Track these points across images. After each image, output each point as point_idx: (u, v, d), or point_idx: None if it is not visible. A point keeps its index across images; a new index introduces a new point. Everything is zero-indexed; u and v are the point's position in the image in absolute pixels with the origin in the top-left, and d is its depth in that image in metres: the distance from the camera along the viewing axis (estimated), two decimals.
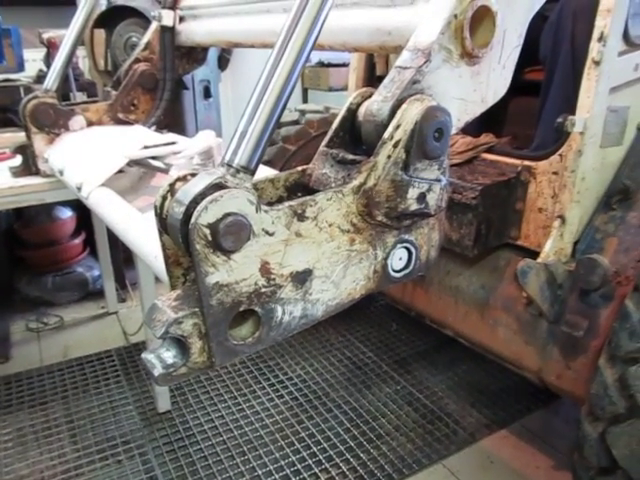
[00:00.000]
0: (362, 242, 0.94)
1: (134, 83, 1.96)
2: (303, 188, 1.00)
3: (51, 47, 2.87)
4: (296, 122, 2.82)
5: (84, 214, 3.22)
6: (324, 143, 1.00)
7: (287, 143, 2.77)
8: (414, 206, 0.93)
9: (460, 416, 2.37)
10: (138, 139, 1.63)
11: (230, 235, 0.75)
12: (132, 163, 1.53)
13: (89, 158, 1.58)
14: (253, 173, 0.81)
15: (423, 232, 1.03)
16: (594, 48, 1.61)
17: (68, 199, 1.92)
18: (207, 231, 0.74)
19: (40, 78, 2.98)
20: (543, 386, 1.94)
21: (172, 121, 2.41)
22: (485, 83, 1.05)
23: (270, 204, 0.90)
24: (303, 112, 2.88)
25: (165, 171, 1.57)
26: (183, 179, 0.83)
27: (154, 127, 1.95)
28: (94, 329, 3.10)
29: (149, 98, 2.00)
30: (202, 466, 2.11)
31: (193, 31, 1.85)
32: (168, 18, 1.87)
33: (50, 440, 2.24)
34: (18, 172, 1.92)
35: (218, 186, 0.77)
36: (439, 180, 0.96)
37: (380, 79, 2.68)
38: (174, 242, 0.81)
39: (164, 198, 0.83)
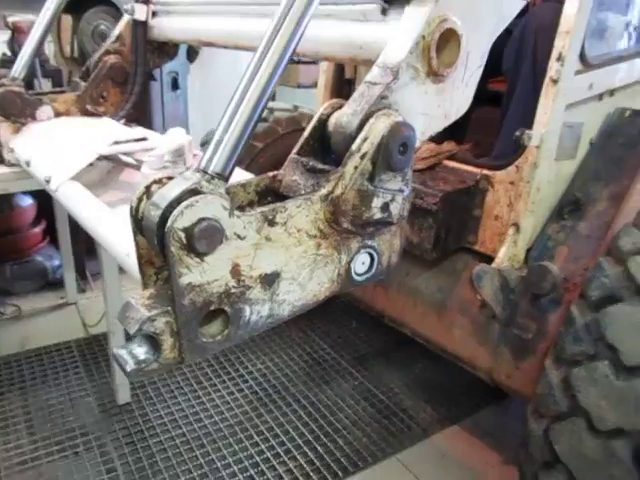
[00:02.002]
0: (328, 247, 0.98)
1: (104, 75, 1.95)
2: (273, 193, 1.04)
3: (17, 32, 2.81)
4: (264, 120, 2.84)
5: (45, 203, 3.17)
6: (295, 151, 1.04)
7: (255, 140, 2.80)
8: (378, 215, 0.99)
9: (415, 412, 2.46)
10: (109, 133, 1.63)
11: (204, 239, 0.79)
12: (102, 157, 1.54)
13: (58, 150, 1.58)
14: (227, 180, 0.85)
15: (385, 239, 1.08)
16: (553, 67, 1.70)
17: (33, 189, 1.90)
18: (182, 234, 0.77)
19: (4, 62, 2.91)
20: (494, 385, 2.03)
21: (139, 112, 2.40)
22: (449, 100, 1.11)
23: (241, 208, 0.94)
24: (271, 110, 2.91)
25: (135, 167, 1.58)
26: (159, 182, 0.87)
27: (123, 120, 1.95)
28: (53, 320, 3.06)
29: (119, 91, 1.99)
30: (161, 458, 2.13)
31: (166, 27, 1.85)
32: (141, 12, 1.87)
33: (7, 431, 2.22)
34: None
35: (194, 191, 0.80)
36: (402, 191, 1.02)
37: (349, 82, 2.74)
38: (149, 244, 0.84)
39: (140, 200, 0.86)
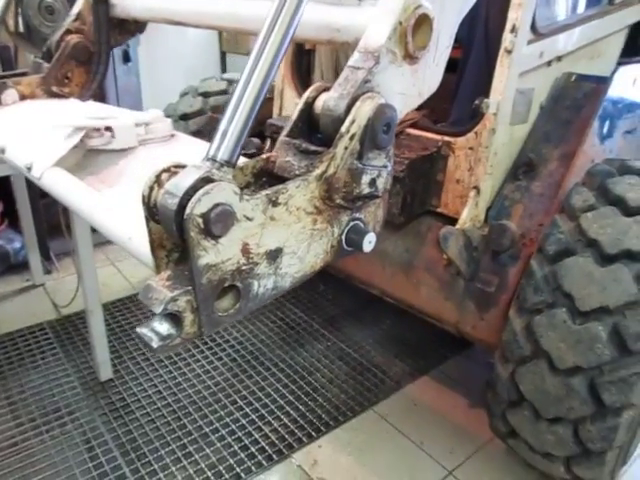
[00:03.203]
0: (322, 222, 1.07)
1: (67, 56, 1.93)
2: (267, 174, 1.11)
3: None
4: (224, 92, 2.86)
5: (1, 185, 3.10)
6: (285, 133, 1.11)
7: (216, 112, 2.81)
8: (366, 190, 1.08)
9: (386, 367, 2.62)
10: (81, 112, 1.64)
11: (219, 222, 0.86)
12: (76, 130, 1.53)
13: (36, 136, 1.58)
14: (234, 166, 0.92)
15: (371, 211, 1.18)
16: (507, 38, 1.80)
17: (3, 175, 1.89)
18: (200, 220, 0.84)
19: None
20: (460, 336, 2.20)
21: None
22: (422, 79, 1.20)
23: (240, 189, 1.01)
24: (230, 81, 2.92)
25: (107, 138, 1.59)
26: (168, 170, 0.93)
27: (91, 100, 1.95)
28: (21, 302, 3.05)
29: (83, 71, 1.97)
30: (150, 429, 2.21)
31: (129, 4, 1.84)
32: None
33: None
34: None
35: (206, 179, 0.87)
36: (386, 166, 1.11)
37: (308, 52, 2.76)
38: (165, 229, 0.90)
39: (151, 188, 0.92)
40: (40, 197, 3.17)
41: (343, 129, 1.02)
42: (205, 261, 0.88)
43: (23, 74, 1.97)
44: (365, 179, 1.07)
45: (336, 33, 1.24)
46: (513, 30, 1.79)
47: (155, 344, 0.89)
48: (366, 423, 2.31)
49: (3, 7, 3.01)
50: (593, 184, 1.81)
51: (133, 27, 2.07)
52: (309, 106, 1.12)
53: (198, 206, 0.83)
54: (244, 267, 0.95)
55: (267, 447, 2.16)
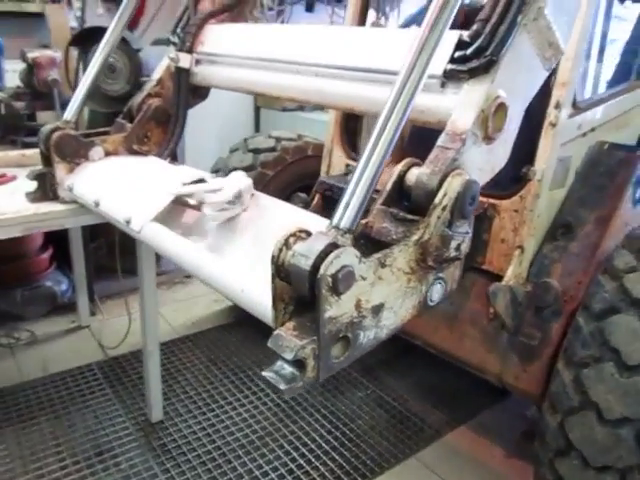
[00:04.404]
0: (414, 281, 1.22)
1: (148, 117, 2.12)
2: (365, 237, 1.27)
3: (37, 67, 2.92)
4: (273, 149, 3.06)
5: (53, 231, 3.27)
6: (380, 202, 1.27)
7: (265, 169, 3.01)
8: (453, 253, 1.23)
9: (425, 415, 2.71)
10: (176, 174, 1.81)
11: (344, 282, 1.01)
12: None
13: (130, 192, 1.74)
14: (354, 233, 1.08)
15: (450, 271, 1.33)
16: (551, 113, 1.99)
17: (86, 224, 2.04)
18: (330, 280, 0.99)
19: (18, 95, 3.02)
20: (502, 386, 2.31)
21: None
22: (495, 156, 1.37)
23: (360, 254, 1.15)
24: (278, 139, 3.12)
25: (196, 207, 1.76)
26: (294, 235, 1.08)
27: (169, 159, 2.13)
28: (68, 343, 3.16)
29: (161, 131, 2.17)
30: (202, 470, 2.29)
31: (211, 75, 2.03)
32: (185, 61, 2.05)
33: (47, 454, 2.33)
34: (35, 198, 2.03)
35: (333, 245, 1.02)
36: (468, 233, 1.27)
37: (356, 116, 2.96)
38: (296, 286, 1.04)
39: (280, 250, 1.07)
40: (90, 241, 3.35)
41: (436, 201, 1.18)
42: (329, 314, 1.02)
43: (106, 132, 2.17)
44: (453, 244, 1.22)
45: (420, 114, 1.42)
46: (557, 106, 1.98)
47: (283, 387, 1.02)
48: (409, 470, 2.38)
49: (74, 67, 3.27)
50: (633, 247, 1.95)
51: (205, 91, 2.28)
52: (400, 179, 1.29)
53: (330, 267, 0.98)
54: (355, 320, 1.09)
55: None
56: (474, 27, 1.36)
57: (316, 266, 0.99)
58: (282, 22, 4.95)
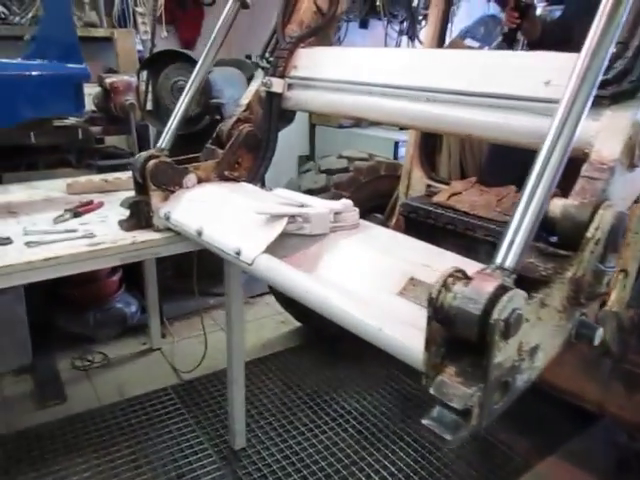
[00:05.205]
0: (563, 319, 1.16)
1: (240, 143, 2.12)
2: None
3: (113, 92, 2.96)
4: (346, 169, 3.02)
5: None
6: None
7: (339, 189, 2.97)
8: (603, 289, 1.17)
9: (512, 443, 2.61)
10: (272, 199, 1.79)
11: (516, 326, 0.95)
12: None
13: (236, 221, 1.72)
14: (518, 273, 1.02)
15: (593, 306, 1.26)
16: None
17: (180, 252, 2.03)
18: (502, 324, 0.94)
19: (93, 120, 3.06)
20: (602, 415, 2.21)
21: None
22: (635, 183, 1.30)
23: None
24: (350, 159, 3.08)
25: (298, 228, 1.71)
26: (452, 276, 1.03)
27: (260, 184, 2.11)
28: (141, 366, 3.17)
29: (251, 157, 2.15)
30: None
31: (305, 99, 2.01)
32: (279, 86, 2.04)
33: (129, 476, 2.33)
34: (129, 226, 2.03)
35: (502, 287, 0.97)
36: (614, 267, 1.20)
37: (434, 136, 2.90)
38: (462, 331, 0.99)
39: (439, 292, 1.02)
40: (157, 264, 3.37)
41: (589, 234, 1.12)
42: (497, 360, 0.96)
43: (195, 159, 2.16)
44: (605, 280, 1.16)
45: (539, 139, 1.35)
46: None
47: (449, 437, 0.98)
48: None
49: (143, 92, 3.32)
50: None
51: (292, 115, 2.26)
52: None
53: (504, 312, 0.93)
54: (515, 364, 1.03)
55: None
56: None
57: (487, 310, 0.94)
58: (338, 39, 4.95)
